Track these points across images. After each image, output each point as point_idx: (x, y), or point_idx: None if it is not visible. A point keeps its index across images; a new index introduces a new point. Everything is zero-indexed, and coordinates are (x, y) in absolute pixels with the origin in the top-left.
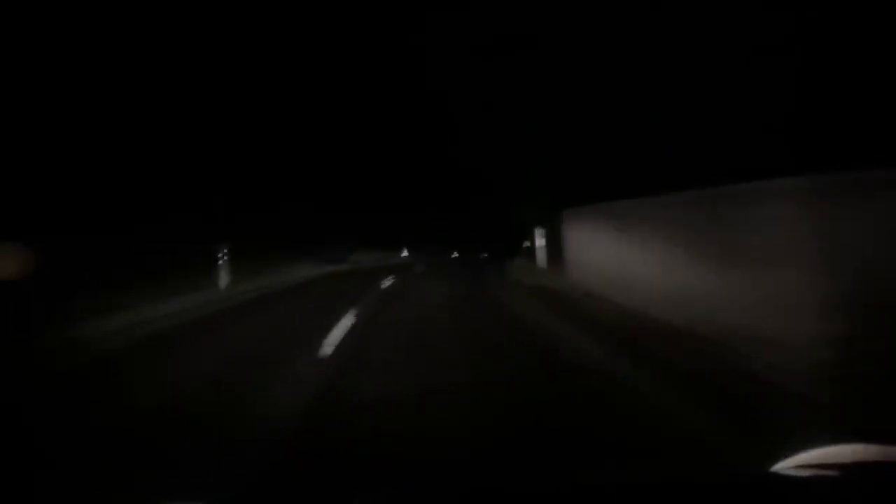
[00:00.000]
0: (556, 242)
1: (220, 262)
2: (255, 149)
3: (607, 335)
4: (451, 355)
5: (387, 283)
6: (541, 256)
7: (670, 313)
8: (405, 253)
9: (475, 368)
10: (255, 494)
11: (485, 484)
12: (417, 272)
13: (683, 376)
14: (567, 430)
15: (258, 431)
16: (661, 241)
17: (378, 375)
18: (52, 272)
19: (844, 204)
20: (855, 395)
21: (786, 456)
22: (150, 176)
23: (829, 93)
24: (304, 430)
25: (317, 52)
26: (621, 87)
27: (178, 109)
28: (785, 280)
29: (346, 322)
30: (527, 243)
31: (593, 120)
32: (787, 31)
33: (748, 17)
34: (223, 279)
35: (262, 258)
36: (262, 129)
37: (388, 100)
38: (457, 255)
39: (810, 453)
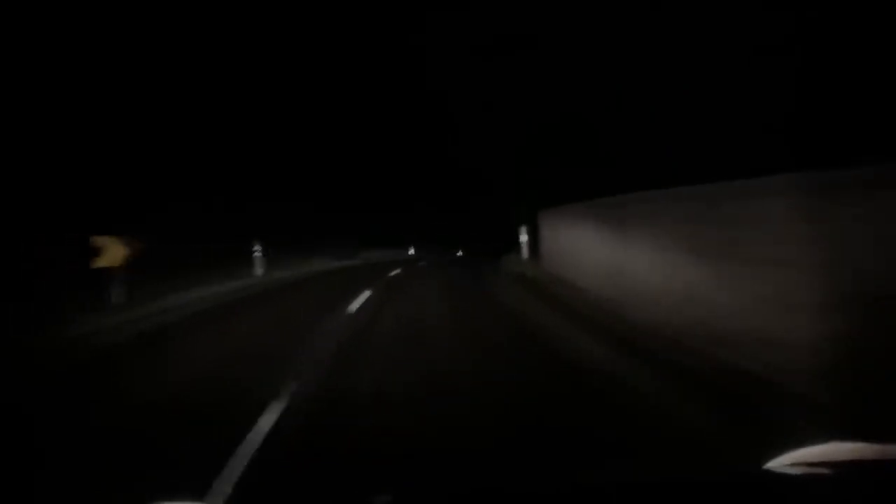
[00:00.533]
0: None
1: (255, 255)
2: (267, 150)
3: (547, 297)
4: (441, 309)
5: (395, 272)
6: (524, 251)
7: (608, 289)
8: (412, 251)
9: (454, 310)
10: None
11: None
12: (421, 266)
13: (581, 310)
14: (508, 344)
15: (318, 340)
16: (609, 234)
17: (386, 321)
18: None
19: (844, 201)
20: (853, 395)
21: (779, 454)
22: (190, 183)
23: (828, 90)
24: (344, 343)
25: (319, 54)
26: (619, 87)
27: (207, 119)
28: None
29: (365, 295)
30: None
31: (589, 119)
32: (786, 29)
33: (747, 16)
34: (258, 269)
35: (283, 253)
36: (271, 130)
37: (390, 100)
38: (461, 253)
39: (804, 451)
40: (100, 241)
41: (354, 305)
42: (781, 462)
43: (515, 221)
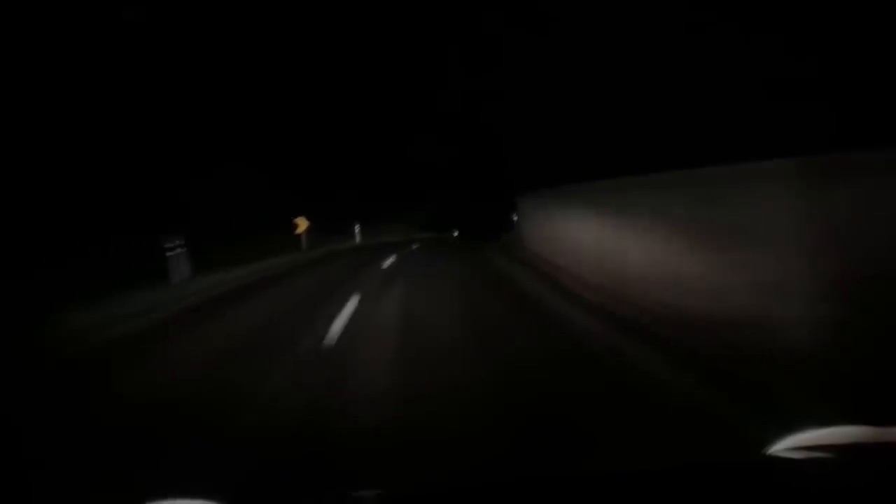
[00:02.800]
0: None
1: (357, 230)
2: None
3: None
4: (451, 266)
5: (415, 245)
6: (514, 231)
7: (574, 263)
8: (423, 234)
9: (452, 264)
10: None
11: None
12: (430, 242)
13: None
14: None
15: (366, 277)
16: (574, 215)
17: (399, 272)
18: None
19: (834, 185)
20: (841, 380)
21: (779, 438)
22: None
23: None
24: (382, 280)
25: (322, 51)
26: (615, 72)
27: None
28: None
29: (392, 258)
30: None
31: (583, 106)
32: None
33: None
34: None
35: (321, 233)
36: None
37: (391, 99)
38: (456, 233)
39: (805, 435)
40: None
41: (386, 263)
42: (783, 446)
43: (508, 204)
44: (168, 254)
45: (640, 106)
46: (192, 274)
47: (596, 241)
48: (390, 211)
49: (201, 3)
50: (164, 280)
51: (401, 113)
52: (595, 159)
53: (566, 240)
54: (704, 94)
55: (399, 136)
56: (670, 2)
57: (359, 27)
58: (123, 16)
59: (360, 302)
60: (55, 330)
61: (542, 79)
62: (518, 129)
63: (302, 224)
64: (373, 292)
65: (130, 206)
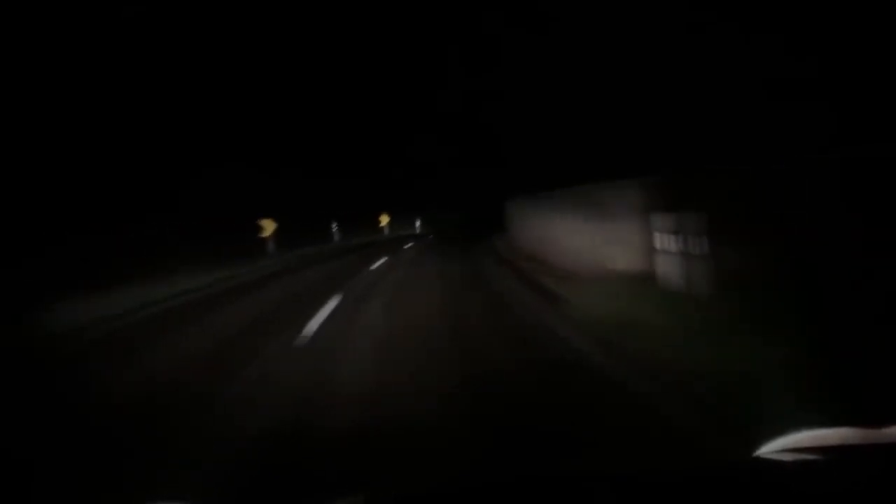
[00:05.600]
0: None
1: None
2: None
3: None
4: (452, 248)
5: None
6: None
7: (534, 243)
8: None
9: (452, 247)
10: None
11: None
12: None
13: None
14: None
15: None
16: (546, 217)
17: (411, 254)
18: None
19: (654, 191)
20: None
21: (767, 441)
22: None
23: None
24: (397, 260)
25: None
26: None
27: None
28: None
29: (411, 242)
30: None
31: (579, 107)
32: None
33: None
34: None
35: (349, 226)
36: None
37: (391, 98)
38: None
39: (794, 437)
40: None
41: (406, 246)
42: (771, 448)
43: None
44: None
45: (627, 110)
46: None
47: (541, 229)
48: (391, 209)
49: (201, 3)
50: None
51: (401, 113)
52: (578, 164)
53: (531, 228)
54: (701, 97)
55: (400, 136)
56: (669, 4)
57: (359, 27)
58: (123, 11)
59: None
60: None
61: (539, 80)
62: (515, 132)
63: (269, 227)
64: None
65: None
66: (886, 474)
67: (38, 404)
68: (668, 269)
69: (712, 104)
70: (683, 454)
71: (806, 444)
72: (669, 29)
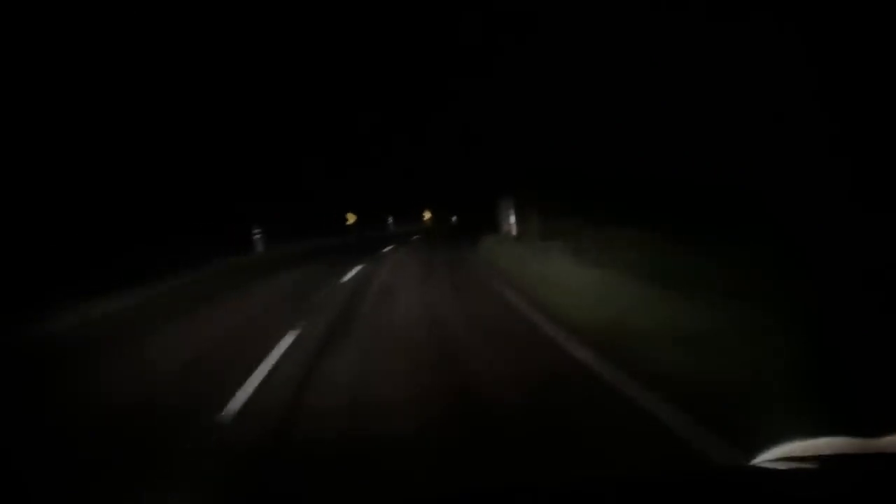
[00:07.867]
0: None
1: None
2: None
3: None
4: (440, 243)
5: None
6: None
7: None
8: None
9: (440, 241)
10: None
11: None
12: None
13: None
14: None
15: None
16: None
17: (408, 242)
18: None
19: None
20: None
21: (765, 449)
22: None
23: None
24: (401, 244)
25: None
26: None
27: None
28: None
29: (416, 237)
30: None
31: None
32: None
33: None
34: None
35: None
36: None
37: (392, 95)
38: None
39: (791, 446)
40: None
41: (413, 239)
42: (769, 457)
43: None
44: None
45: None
46: None
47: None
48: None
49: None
50: None
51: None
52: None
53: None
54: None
55: (397, 137)
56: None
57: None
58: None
59: None
60: None
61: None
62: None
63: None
64: None
65: None
66: (880, 484)
67: None
68: (511, 229)
69: (695, 111)
70: (678, 461)
71: (802, 453)
72: (650, 36)
